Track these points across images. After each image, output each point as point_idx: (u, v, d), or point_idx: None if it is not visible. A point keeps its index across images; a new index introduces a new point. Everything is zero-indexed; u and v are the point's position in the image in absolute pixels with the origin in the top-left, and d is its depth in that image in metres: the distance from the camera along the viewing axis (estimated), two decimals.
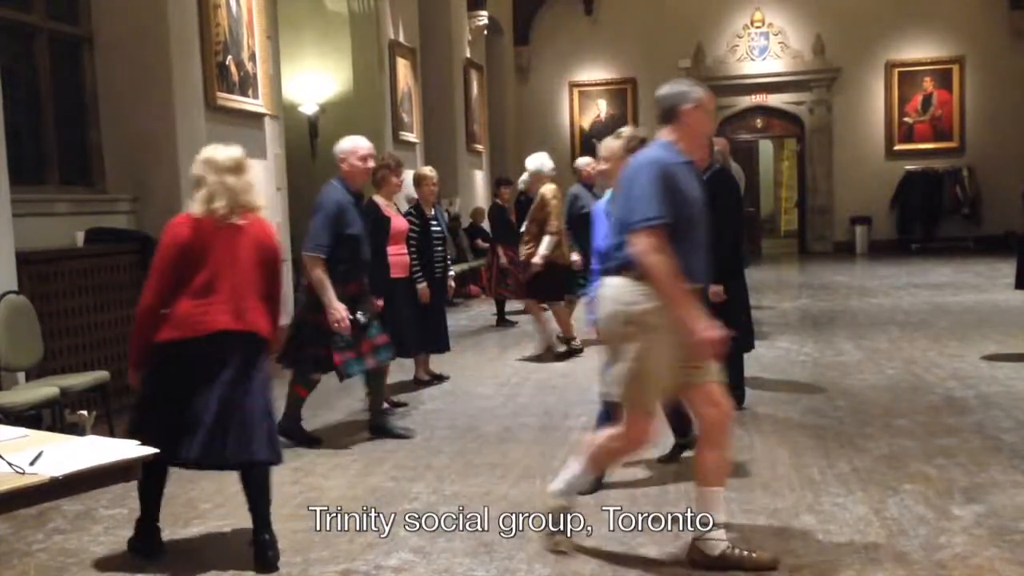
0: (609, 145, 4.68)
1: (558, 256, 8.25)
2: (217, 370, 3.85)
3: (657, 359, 3.62)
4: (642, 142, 4.38)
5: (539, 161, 8.61)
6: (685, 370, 3.67)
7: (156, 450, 2.86)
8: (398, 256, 6.71)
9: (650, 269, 3.56)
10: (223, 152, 4.04)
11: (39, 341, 5.81)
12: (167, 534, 4.22)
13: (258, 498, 3.92)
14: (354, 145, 5.76)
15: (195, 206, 3.98)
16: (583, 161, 8.74)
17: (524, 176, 9.06)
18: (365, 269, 5.82)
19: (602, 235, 4.49)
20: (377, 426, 5.96)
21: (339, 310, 5.40)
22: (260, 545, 3.88)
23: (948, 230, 18.20)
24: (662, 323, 3.59)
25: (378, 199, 6.62)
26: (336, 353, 5.55)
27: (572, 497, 4.00)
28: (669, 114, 3.79)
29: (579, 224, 7.92)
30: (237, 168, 4.03)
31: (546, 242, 8.17)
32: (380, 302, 6.24)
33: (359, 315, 5.57)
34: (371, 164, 5.87)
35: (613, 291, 3.73)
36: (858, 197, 18.48)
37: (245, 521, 4.03)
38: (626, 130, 4.75)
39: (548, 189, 8.33)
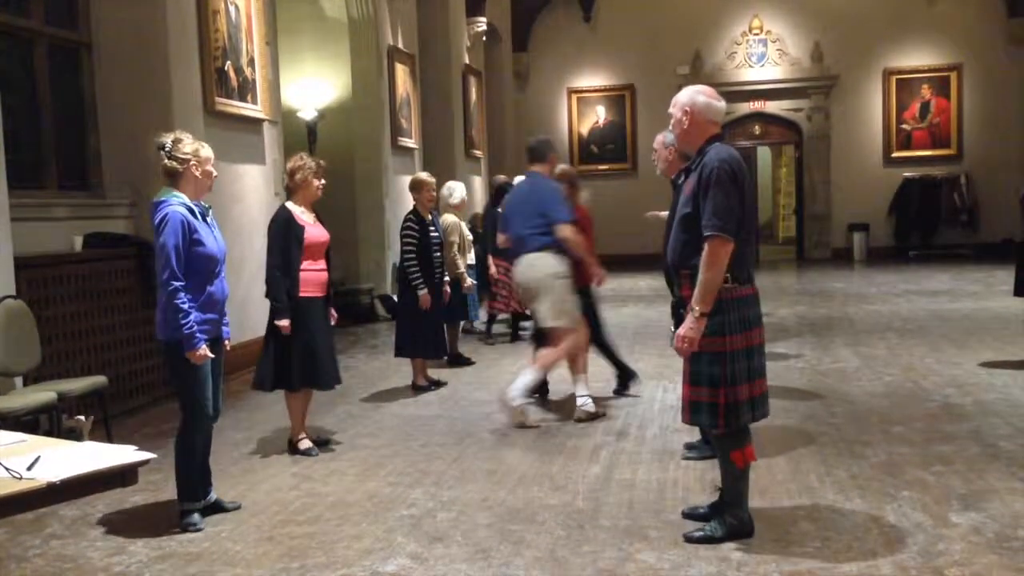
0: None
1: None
2: None
3: None
4: None
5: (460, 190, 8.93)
6: None
7: (153, 455, 2.86)
8: (313, 272, 5.57)
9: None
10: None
11: (37, 346, 5.80)
12: (164, 540, 4.22)
13: None
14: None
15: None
16: None
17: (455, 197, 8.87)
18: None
19: None
20: None
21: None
22: None
23: (946, 237, 18.22)
24: None
25: (291, 206, 5.58)
26: None
27: None
28: None
29: None
30: None
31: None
32: (286, 323, 5.42)
33: None
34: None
35: None
36: (856, 204, 18.51)
37: (238, 527, 4.01)
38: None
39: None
